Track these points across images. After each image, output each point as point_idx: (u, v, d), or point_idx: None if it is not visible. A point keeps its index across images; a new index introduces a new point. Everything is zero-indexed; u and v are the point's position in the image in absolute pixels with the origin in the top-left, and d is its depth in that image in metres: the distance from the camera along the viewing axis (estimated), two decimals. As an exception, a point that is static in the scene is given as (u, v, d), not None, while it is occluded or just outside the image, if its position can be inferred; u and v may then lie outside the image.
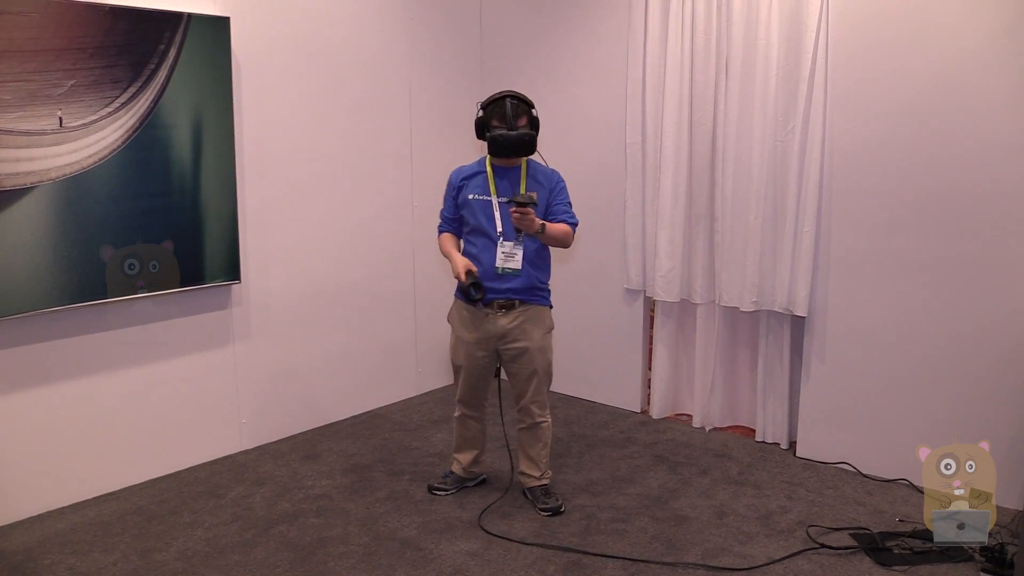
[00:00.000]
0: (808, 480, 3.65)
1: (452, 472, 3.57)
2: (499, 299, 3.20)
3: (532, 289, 3.25)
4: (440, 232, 3.38)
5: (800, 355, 3.91)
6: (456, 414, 3.48)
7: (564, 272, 4.57)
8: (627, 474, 3.72)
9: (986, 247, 3.31)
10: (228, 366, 3.91)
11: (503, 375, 3.42)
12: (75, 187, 3.19)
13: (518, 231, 3.14)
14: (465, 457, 3.54)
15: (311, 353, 4.26)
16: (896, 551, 2.98)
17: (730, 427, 4.32)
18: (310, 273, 4.20)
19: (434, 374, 4.98)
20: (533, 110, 3.18)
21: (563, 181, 3.31)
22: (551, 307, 3.37)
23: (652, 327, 4.50)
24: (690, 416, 4.42)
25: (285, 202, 4.04)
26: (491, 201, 3.20)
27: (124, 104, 3.29)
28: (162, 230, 3.47)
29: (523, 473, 3.46)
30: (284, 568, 2.91)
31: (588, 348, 4.69)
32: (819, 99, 3.62)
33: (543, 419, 3.37)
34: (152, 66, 3.35)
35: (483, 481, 3.62)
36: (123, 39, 3.24)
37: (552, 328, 3.36)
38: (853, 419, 3.74)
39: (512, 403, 3.44)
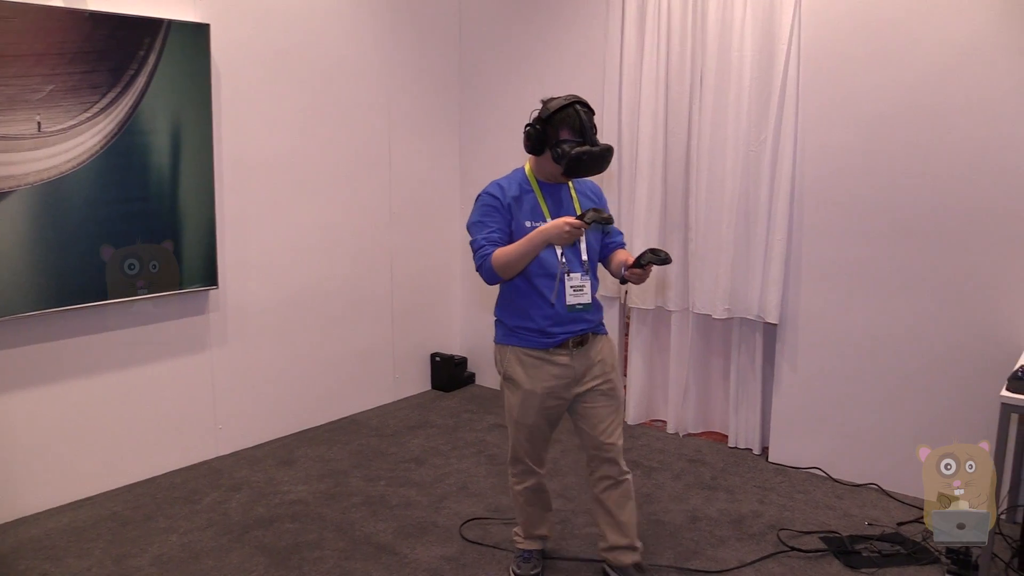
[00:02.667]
0: (780, 485, 3.71)
1: (533, 551, 2.93)
2: (573, 337, 2.65)
3: (600, 318, 2.78)
4: (486, 256, 2.53)
5: (772, 362, 3.98)
6: (520, 487, 2.82)
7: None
8: (602, 479, 3.75)
9: (954, 255, 3.40)
10: (205, 371, 3.90)
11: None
12: (53, 192, 3.18)
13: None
14: (546, 528, 2.94)
15: (288, 359, 4.27)
16: (865, 554, 3.04)
17: (703, 433, 4.37)
18: (288, 279, 4.21)
19: (410, 380, 4.99)
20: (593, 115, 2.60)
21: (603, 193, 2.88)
22: None
23: (627, 334, 4.55)
24: (664, 422, 4.47)
25: (263, 208, 4.05)
26: None
27: (103, 109, 3.29)
28: (139, 236, 3.47)
29: (612, 548, 2.78)
30: (260, 573, 2.92)
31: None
32: (790, 111, 3.70)
33: (628, 470, 2.77)
34: (131, 72, 3.36)
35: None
36: (103, 45, 3.25)
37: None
38: (824, 425, 3.81)
39: (585, 457, 2.80)
